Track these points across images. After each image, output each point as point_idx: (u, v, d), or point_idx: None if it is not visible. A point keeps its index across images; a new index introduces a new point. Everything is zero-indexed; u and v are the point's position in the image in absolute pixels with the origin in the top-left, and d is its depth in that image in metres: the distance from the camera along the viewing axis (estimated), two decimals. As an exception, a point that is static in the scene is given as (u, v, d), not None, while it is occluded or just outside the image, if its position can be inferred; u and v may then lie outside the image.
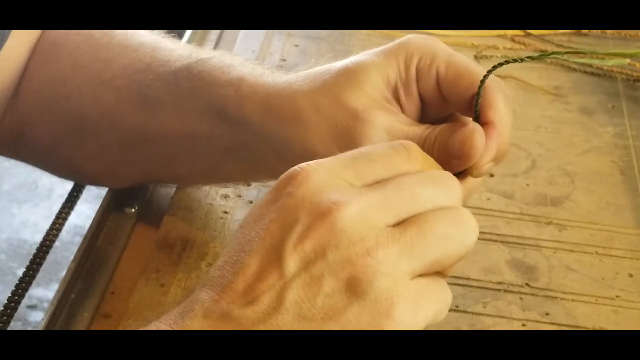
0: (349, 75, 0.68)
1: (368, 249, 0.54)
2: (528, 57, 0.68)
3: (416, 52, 0.68)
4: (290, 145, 0.70)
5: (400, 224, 0.56)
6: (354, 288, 0.54)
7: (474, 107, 0.66)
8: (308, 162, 0.57)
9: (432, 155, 0.65)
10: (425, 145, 0.66)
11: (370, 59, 0.69)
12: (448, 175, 0.58)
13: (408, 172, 0.57)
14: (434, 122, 0.69)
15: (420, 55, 0.68)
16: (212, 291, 0.56)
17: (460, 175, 0.66)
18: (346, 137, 0.67)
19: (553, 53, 0.73)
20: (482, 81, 0.66)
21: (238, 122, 0.72)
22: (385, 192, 0.56)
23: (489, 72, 0.66)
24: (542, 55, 0.75)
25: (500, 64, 0.66)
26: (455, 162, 0.65)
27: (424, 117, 0.70)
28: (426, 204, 0.56)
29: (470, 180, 0.67)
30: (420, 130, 0.67)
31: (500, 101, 0.66)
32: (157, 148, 0.78)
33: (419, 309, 0.56)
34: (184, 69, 0.75)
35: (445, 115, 0.70)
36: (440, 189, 0.57)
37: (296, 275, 0.55)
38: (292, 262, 0.55)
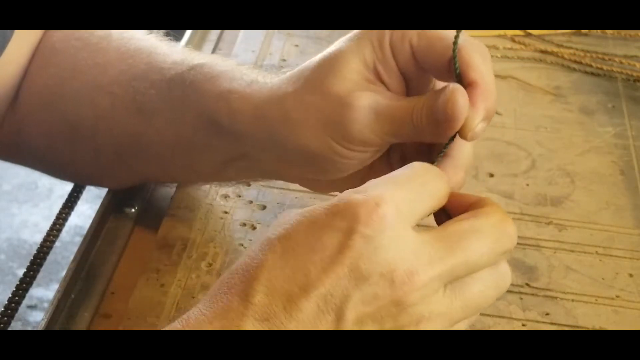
0: (327, 66, 0.68)
1: (419, 324, 0.57)
2: None
3: (387, 31, 0.68)
4: (286, 147, 0.70)
5: (447, 284, 0.58)
6: None
7: (454, 70, 0.65)
8: (382, 192, 0.57)
9: (422, 125, 0.66)
10: (414, 117, 0.66)
11: (344, 45, 0.69)
12: (508, 223, 0.60)
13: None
14: (421, 95, 0.68)
15: (391, 32, 0.68)
16: (260, 326, 0.55)
17: (455, 140, 0.65)
18: (335, 124, 0.67)
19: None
20: (455, 42, 0.65)
21: (232, 134, 0.72)
22: (452, 262, 0.57)
23: (459, 32, 0.65)
24: None
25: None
26: (444, 126, 0.64)
27: (409, 93, 0.69)
28: (481, 267, 0.59)
29: (466, 145, 0.66)
30: (407, 102, 0.67)
31: (478, 59, 0.65)
32: (154, 154, 0.78)
33: None
34: (177, 77, 0.75)
35: (429, 86, 0.69)
36: (501, 248, 0.59)
37: None
38: (350, 324, 0.56)
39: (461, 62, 0.65)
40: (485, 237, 0.59)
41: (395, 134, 0.67)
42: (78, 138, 0.80)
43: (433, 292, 0.57)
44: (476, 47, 0.66)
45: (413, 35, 0.67)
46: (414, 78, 0.69)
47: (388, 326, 0.56)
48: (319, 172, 0.70)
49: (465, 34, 0.66)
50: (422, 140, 0.67)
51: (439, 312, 0.57)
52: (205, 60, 0.76)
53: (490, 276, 0.60)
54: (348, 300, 0.55)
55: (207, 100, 0.73)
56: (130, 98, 0.77)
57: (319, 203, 0.58)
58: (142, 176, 0.82)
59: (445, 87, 0.65)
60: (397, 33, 0.68)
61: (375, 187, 0.58)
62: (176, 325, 0.56)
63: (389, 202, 0.56)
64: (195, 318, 0.56)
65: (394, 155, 0.71)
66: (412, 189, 0.59)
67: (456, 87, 0.64)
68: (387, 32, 0.68)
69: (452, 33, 0.66)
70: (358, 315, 0.56)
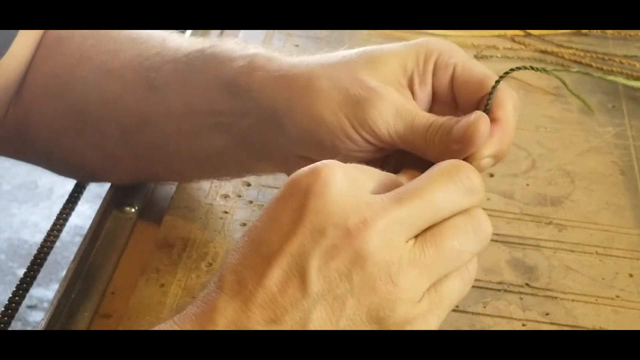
0: (368, 57, 0.70)
1: (391, 275, 0.56)
2: (554, 70, 0.73)
3: (437, 49, 0.69)
4: (295, 113, 0.70)
5: (417, 236, 0.58)
6: (376, 314, 0.56)
7: (485, 105, 0.67)
8: (328, 161, 0.58)
9: (433, 142, 0.67)
10: (429, 131, 0.67)
11: (391, 47, 0.70)
12: (463, 165, 0.60)
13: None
14: None
15: (440, 53, 0.69)
16: (232, 300, 0.56)
17: None
18: (356, 106, 0.68)
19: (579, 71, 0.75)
20: (498, 81, 0.67)
21: (244, 93, 0.72)
22: (408, 206, 0.57)
23: (506, 73, 0.67)
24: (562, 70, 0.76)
25: (518, 68, 0.68)
26: (456, 146, 0.65)
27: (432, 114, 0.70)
28: (446, 212, 0.58)
29: None
30: (428, 115, 0.68)
31: (510, 105, 0.67)
32: (159, 135, 0.77)
33: (431, 321, 0.58)
34: (196, 51, 0.76)
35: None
36: (460, 187, 0.59)
37: (321, 296, 0.56)
38: (317, 282, 0.55)
39: (494, 100, 0.67)
40: (439, 180, 0.59)
41: (405, 140, 0.68)
42: (83, 124, 0.80)
43: (396, 239, 0.57)
44: (512, 96, 0.68)
45: (458, 63, 0.69)
46: (442, 103, 0.70)
47: (358, 280, 0.56)
48: (314, 149, 0.70)
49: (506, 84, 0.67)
50: (425, 157, 0.67)
51: (410, 260, 0.57)
52: (226, 40, 0.77)
53: (465, 222, 0.59)
54: (309, 257, 0.55)
55: (228, 62, 0.74)
56: (141, 78, 0.77)
57: None
58: (143, 166, 0.82)
59: (470, 113, 0.66)
60: (445, 55, 0.69)
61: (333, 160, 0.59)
62: (171, 325, 0.57)
63: (335, 164, 0.58)
64: (184, 313, 0.57)
65: (387, 165, 0.71)
66: (359, 165, 0.60)
67: (483, 115, 0.65)
68: (436, 51, 0.69)
69: (493, 74, 0.68)
70: (322, 272, 0.56)
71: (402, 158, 0.70)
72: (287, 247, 0.56)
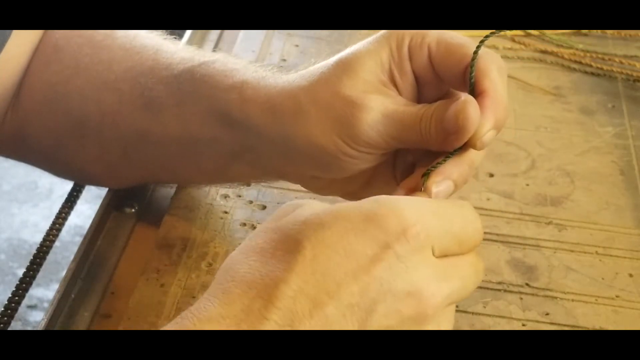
0: (344, 65, 0.69)
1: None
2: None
3: (407, 33, 0.69)
4: (293, 141, 0.70)
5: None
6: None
7: (469, 78, 0.66)
8: (418, 219, 0.57)
9: (430, 134, 0.66)
10: (422, 124, 0.66)
11: (363, 47, 0.69)
12: (480, 261, 0.61)
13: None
14: (431, 102, 0.69)
15: (412, 36, 0.69)
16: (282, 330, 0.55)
17: (463, 148, 0.66)
18: (344, 124, 0.68)
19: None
20: (475, 52, 0.66)
21: (242, 126, 0.73)
22: (455, 285, 0.58)
23: (482, 42, 0.66)
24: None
25: (492, 33, 0.67)
26: (453, 137, 0.65)
27: (420, 98, 0.70)
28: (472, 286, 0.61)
29: (473, 153, 0.67)
30: (416, 109, 0.67)
31: (494, 70, 0.66)
32: (160, 151, 0.78)
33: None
34: (186, 72, 0.75)
35: (441, 94, 0.70)
36: (479, 275, 0.61)
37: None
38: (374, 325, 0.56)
39: (477, 70, 0.66)
40: (475, 274, 0.61)
41: (401, 140, 0.67)
42: (84, 134, 0.80)
43: (447, 306, 0.59)
44: (494, 59, 0.67)
45: (432, 40, 0.68)
46: (428, 84, 0.69)
47: (404, 325, 0.57)
48: (322, 170, 0.71)
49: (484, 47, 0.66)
50: (427, 148, 0.67)
51: (448, 323, 0.59)
52: (215, 57, 0.76)
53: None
54: (373, 313, 0.55)
55: (218, 92, 0.73)
56: (137, 94, 0.77)
57: (346, 202, 0.60)
58: (147, 175, 0.82)
59: (456, 98, 0.66)
60: (417, 37, 0.68)
61: (413, 205, 0.58)
62: (186, 324, 0.55)
63: (423, 225, 0.57)
64: (208, 316, 0.55)
65: (399, 160, 0.71)
66: (446, 218, 0.59)
67: (468, 98, 0.65)
68: (407, 36, 0.68)
69: (471, 41, 0.67)
70: (380, 327, 0.56)
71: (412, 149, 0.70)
72: (356, 292, 0.55)
